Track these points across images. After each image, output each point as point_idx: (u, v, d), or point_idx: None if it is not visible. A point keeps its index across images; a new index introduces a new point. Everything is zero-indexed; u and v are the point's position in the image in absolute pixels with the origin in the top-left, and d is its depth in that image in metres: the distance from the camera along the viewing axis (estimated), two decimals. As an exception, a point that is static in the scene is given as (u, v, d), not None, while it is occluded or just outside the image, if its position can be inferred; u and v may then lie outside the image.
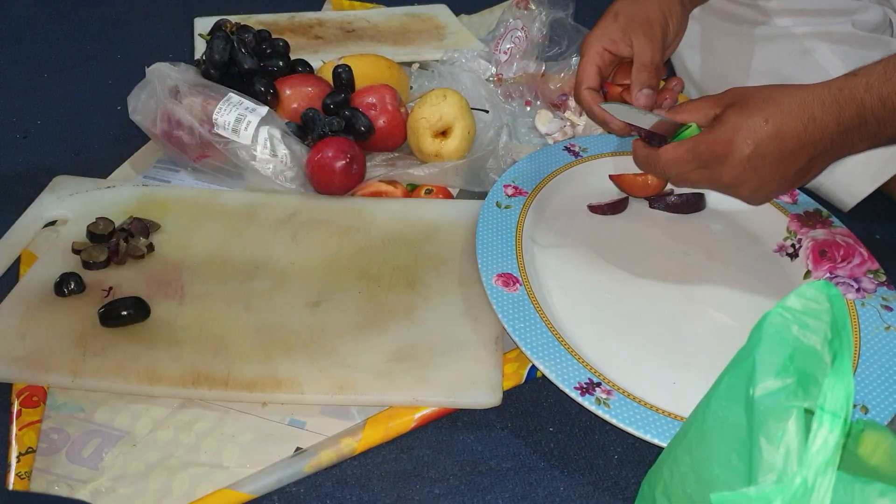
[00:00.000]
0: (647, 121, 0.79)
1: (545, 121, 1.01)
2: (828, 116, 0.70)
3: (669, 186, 0.90)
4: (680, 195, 0.89)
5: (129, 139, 0.99)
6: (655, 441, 0.64)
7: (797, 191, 0.90)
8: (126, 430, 0.68)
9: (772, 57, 0.97)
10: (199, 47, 1.13)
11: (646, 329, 0.76)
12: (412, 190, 0.93)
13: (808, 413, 0.42)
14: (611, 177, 0.90)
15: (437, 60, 1.11)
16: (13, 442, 0.66)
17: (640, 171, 0.88)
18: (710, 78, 1.04)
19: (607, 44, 0.85)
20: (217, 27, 0.98)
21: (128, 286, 0.78)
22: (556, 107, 1.04)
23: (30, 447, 0.65)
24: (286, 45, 1.01)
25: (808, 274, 0.82)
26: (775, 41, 0.97)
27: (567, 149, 0.93)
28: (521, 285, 0.75)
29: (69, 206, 0.88)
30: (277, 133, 0.89)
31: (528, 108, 1.05)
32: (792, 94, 0.72)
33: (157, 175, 0.95)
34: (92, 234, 0.82)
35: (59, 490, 0.63)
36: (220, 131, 0.89)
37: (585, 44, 0.86)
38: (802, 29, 0.95)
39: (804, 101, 0.71)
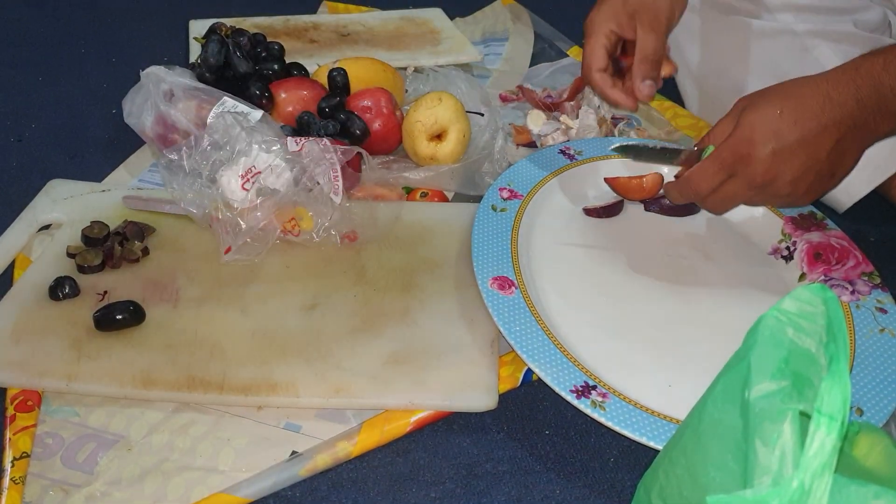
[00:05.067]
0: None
1: (538, 122, 1.01)
2: (844, 95, 0.70)
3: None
4: (675, 198, 0.90)
5: (123, 142, 0.99)
6: (651, 444, 0.64)
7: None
8: (121, 434, 0.67)
9: (772, 53, 0.97)
10: (194, 50, 1.13)
11: (641, 332, 0.76)
12: (407, 193, 0.93)
13: (804, 415, 0.42)
14: (606, 180, 0.90)
15: (433, 69, 1.11)
16: (7, 446, 0.66)
17: (634, 174, 0.88)
18: (709, 72, 1.04)
19: (614, 26, 0.84)
20: (212, 30, 0.98)
21: (123, 290, 0.78)
22: (548, 108, 1.04)
23: (24, 452, 0.65)
24: (281, 49, 1.01)
25: (802, 276, 0.82)
26: (776, 37, 0.97)
27: (562, 152, 0.93)
28: (516, 288, 0.75)
29: (64, 209, 0.88)
30: (273, 136, 0.89)
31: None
32: (804, 82, 0.73)
33: (151, 178, 0.95)
34: (87, 238, 0.82)
35: (54, 495, 0.63)
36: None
37: (592, 23, 0.85)
38: (803, 26, 0.95)
39: (817, 84, 0.72)
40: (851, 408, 0.67)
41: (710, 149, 0.77)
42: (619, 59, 0.88)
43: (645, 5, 0.84)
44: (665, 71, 0.89)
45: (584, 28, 0.86)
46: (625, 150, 0.84)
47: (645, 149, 0.82)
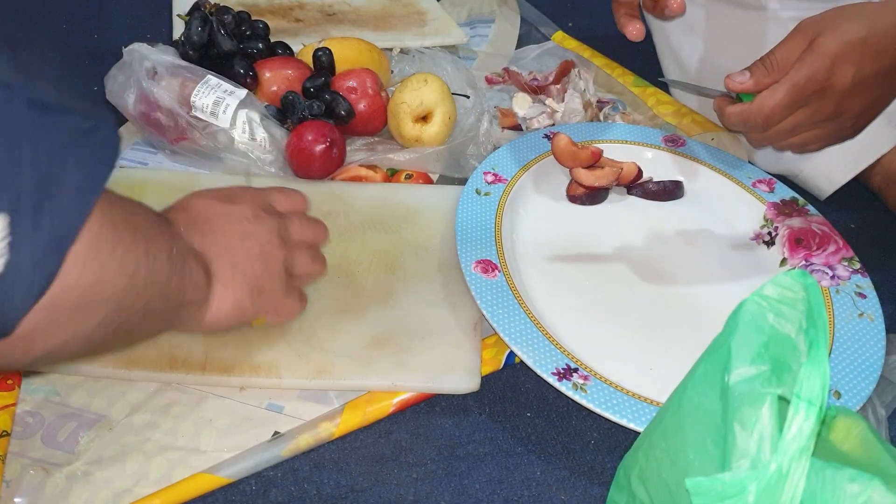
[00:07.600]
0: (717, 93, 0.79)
1: (524, 105, 1.01)
2: None
3: (647, 174, 0.91)
4: (658, 183, 0.90)
5: (105, 120, 0.98)
6: (632, 426, 0.64)
7: (774, 179, 0.91)
8: (102, 413, 0.67)
9: (758, 40, 0.97)
10: (178, 28, 1.12)
11: (623, 315, 0.76)
12: (392, 175, 0.93)
13: (782, 400, 0.42)
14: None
15: (419, 50, 1.10)
16: (-13, 425, 0.65)
17: (618, 159, 0.89)
18: (695, 59, 1.04)
19: None
20: (196, 7, 0.97)
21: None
22: (534, 91, 1.04)
23: (4, 430, 0.65)
24: (266, 28, 1.00)
25: (784, 261, 0.83)
26: (761, 24, 0.97)
27: (547, 136, 0.93)
28: (499, 272, 0.75)
29: (44, 187, 0.87)
30: (256, 116, 0.89)
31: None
32: (882, 10, 0.70)
33: (134, 157, 0.94)
34: (68, 217, 0.81)
35: (35, 474, 0.62)
36: (199, 114, 0.88)
37: None
38: (789, 13, 0.95)
39: (894, 13, 0.69)
40: (829, 391, 0.68)
41: (747, 97, 0.74)
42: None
43: None
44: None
45: None
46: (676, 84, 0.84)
47: (694, 87, 0.85)
